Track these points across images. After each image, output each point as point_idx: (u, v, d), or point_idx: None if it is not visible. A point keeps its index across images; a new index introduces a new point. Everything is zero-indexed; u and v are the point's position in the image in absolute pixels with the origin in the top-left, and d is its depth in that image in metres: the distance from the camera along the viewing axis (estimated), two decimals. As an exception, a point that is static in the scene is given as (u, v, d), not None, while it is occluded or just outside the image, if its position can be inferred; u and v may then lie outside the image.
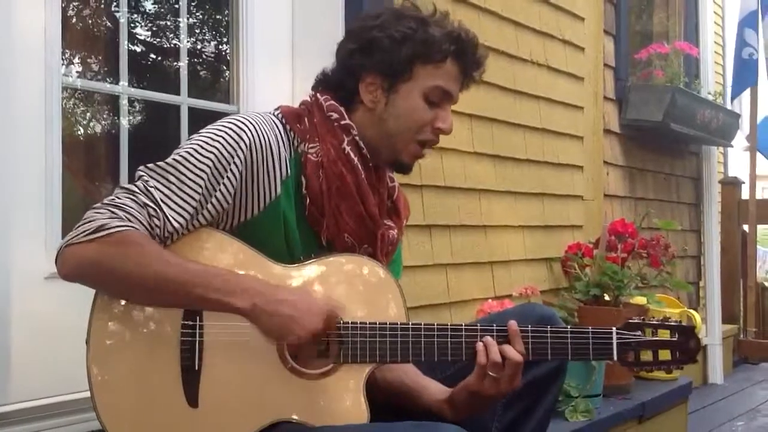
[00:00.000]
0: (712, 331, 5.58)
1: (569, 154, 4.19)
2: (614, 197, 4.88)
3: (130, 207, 1.57)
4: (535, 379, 1.86)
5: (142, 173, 1.63)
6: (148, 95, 2.59)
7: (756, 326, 6.28)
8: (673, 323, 1.82)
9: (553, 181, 4.05)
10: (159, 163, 1.64)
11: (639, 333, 1.79)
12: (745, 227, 6.36)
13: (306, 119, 1.79)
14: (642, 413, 3.60)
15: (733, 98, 6.19)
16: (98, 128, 2.59)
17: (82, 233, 1.54)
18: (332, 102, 1.80)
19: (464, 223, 3.43)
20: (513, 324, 1.73)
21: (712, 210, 5.90)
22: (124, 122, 2.47)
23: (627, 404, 3.52)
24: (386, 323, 1.68)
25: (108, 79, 2.51)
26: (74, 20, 2.47)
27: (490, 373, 1.70)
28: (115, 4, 2.50)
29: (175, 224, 1.60)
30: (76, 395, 2.08)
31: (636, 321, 1.80)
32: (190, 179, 1.62)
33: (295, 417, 1.63)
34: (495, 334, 1.72)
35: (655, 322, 1.81)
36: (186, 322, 1.61)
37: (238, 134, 1.67)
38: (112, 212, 1.55)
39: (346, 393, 1.66)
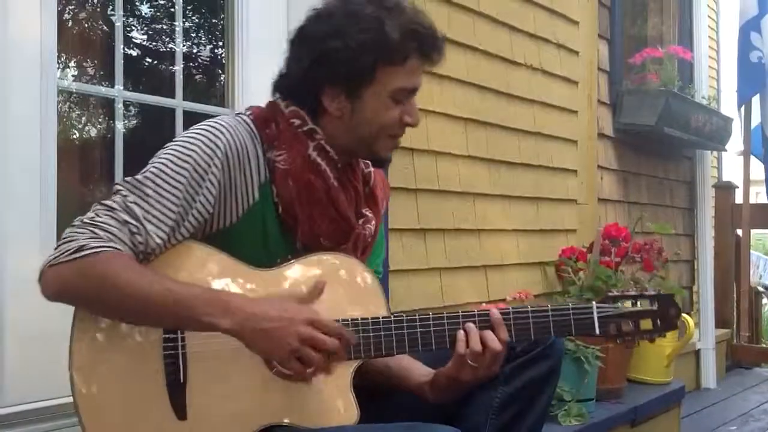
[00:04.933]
0: (705, 336, 5.59)
1: (563, 158, 4.20)
2: (608, 201, 4.89)
3: (110, 226, 1.54)
4: (529, 382, 1.86)
5: (120, 188, 1.60)
6: (144, 98, 2.59)
7: (749, 331, 6.28)
8: (651, 293, 1.82)
9: (547, 185, 4.05)
10: (136, 176, 1.61)
11: (618, 305, 1.79)
12: (739, 232, 6.36)
13: (273, 124, 1.75)
14: (635, 417, 3.61)
15: (741, 103, 6.09)
16: (94, 131, 2.60)
17: (63, 253, 1.51)
18: (294, 108, 1.76)
19: (458, 227, 3.43)
20: (494, 312, 1.73)
21: (706, 214, 5.90)
22: (120, 125, 2.47)
23: (620, 408, 3.53)
24: (368, 318, 1.68)
25: (104, 83, 2.51)
26: (70, 24, 2.47)
27: (470, 362, 1.70)
28: (111, 7, 2.51)
29: (158, 240, 1.58)
30: (70, 398, 2.07)
31: (614, 294, 1.81)
32: (167, 191, 1.60)
33: (284, 420, 1.63)
34: (477, 320, 1.73)
35: (633, 293, 1.81)
36: (167, 336, 1.60)
37: (212, 141, 1.65)
38: (93, 232, 1.53)
39: (334, 392, 1.66)
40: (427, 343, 1.71)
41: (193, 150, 1.64)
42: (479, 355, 1.70)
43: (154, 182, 1.60)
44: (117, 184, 1.62)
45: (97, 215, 1.56)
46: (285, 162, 1.72)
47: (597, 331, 1.77)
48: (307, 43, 1.74)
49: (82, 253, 1.50)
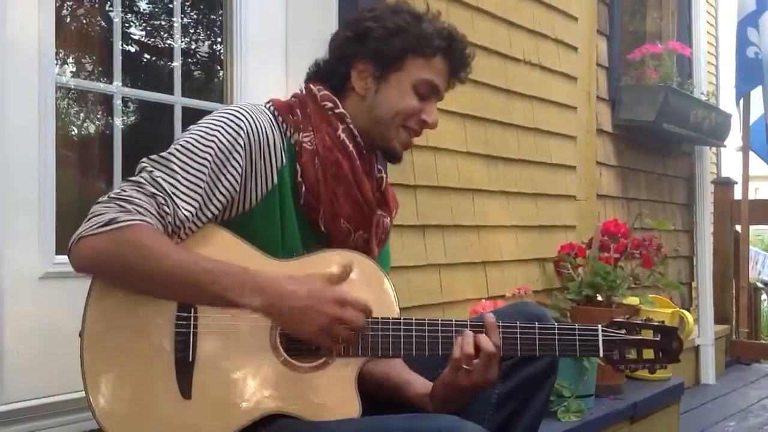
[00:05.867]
0: (705, 332, 5.59)
1: (562, 154, 4.20)
2: (607, 197, 4.89)
3: (138, 199, 1.57)
4: (527, 378, 1.87)
5: (145, 164, 1.63)
6: (142, 95, 2.58)
7: (748, 327, 6.29)
8: (655, 323, 1.86)
9: (546, 181, 4.05)
10: (162, 153, 1.65)
11: (623, 331, 1.82)
12: (738, 228, 6.37)
13: (298, 110, 1.82)
14: (634, 413, 3.61)
15: (738, 98, 6.10)
16: (92, 128, 2.59)
17: (93, 226, 1.54)
18: (326, 92, 1.84)
19: (458, 223, 3.43)
20: (489, 316, 1.75)
21: (705, 210, 5.90)
22: (118, 122, 2.46)
23: (619, 404, 3.53)
24: (378, 318, 1.69)
25: (102, 79, 2.51)
26: (68, 20, 2.47)
27: (464, 366, 1.71)
28: (109, 3, 2.50)
29: (185, 212, 1.61)
30: (70, 395, 2.08)
31: (620, 320, 1.85)
32: (193, 168, 1.63)
33: (287, 410, 1.64)
34: (469, 327, 1.74)
35: (638, 322, 1.85)
36: (180, 314, 1.61)
37: (236, 123, 1.69)
38: (121, 206, 1.55)
39: (339, 386, 1.67)
40: (433, 347, 1.73)
41: (216, 131, 1.68)
42: (472, 358, 1.71)
43: (179, 159, 1.64)
44: (142, 161, 1.65)
45: (124, 190, 1.59)
46: (312, 142, 1.79)
47: (601, 354, 1.80)
48: (349, 25, 1.90)
49: (112, 226, 1.53)
